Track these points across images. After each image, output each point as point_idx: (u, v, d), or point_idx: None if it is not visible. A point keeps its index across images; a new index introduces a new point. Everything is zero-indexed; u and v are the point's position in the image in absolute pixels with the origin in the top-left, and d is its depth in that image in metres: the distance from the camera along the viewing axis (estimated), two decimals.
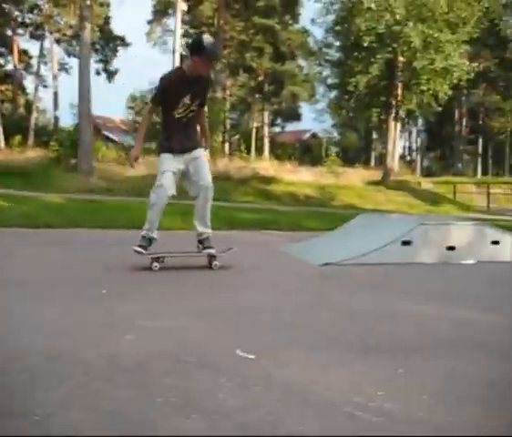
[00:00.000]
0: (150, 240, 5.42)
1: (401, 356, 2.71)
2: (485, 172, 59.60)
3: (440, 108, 23.56)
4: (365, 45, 22.30)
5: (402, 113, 24.59)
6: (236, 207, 15.24)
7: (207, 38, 5.35)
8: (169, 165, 5.39)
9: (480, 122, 61.47)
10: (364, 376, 2.39)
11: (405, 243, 6.28)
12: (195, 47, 5.32)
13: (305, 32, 39.01)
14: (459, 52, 22.65)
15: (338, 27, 25.60)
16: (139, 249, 5.28)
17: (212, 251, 5.53)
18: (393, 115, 24.73)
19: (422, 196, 25.75)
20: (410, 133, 64.50)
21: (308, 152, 51.21)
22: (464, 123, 57.77)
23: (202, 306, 3.78)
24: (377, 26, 21.93)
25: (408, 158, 63.83)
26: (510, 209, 25.05)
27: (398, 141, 46.60)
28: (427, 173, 57.98)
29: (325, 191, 24.03)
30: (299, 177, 26.90)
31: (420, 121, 68.52)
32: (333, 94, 28.00)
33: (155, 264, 5.29)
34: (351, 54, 24.50)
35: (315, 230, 9.83)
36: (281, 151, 41.16)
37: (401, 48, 22.97)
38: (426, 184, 32.57)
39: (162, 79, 5.41)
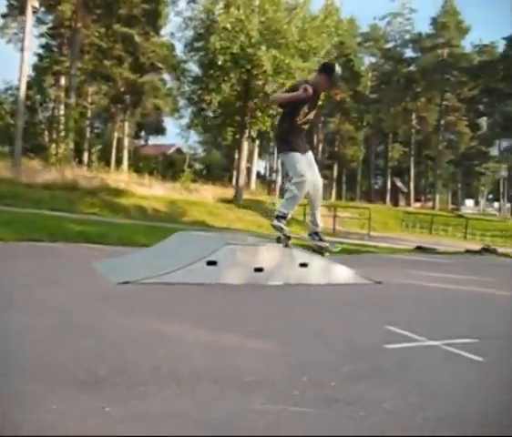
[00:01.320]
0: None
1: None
2: (339, 196, 62.68)
3: None
4: (220, 63, 22.42)
5: (253, 133, 24.97)
6: (71, 218, 14.40)
7: (338, 67, 6.41)
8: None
9: (336, 149, 64.69)
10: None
11: (211, 263, 6.10)
12: (327, 68, 6.41)
13: (169, 45, 38.66)
14: None
15: (196, 44, 25.56)
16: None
17: None
18: (246, 135, 25.07)
19: (271, 216, 26.28)
20: (271, 154, 66.25)
21: (171, 167, 50.82)
22: (320, 149, 60.44)
23: None
24: (232, 46, 22.13)
25: (271, 179, 65.41)
26: (354, 233, 26.36)
27: (256, 161, 47.71)
28: None
29: (176, 206, 23.74)
30: (153, 192, 26.40)
31: None
32: (191, 110, 27.82)
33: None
34: (207, 71, 24.55)
35: (144, 245, 9.43)
36: (144, 164, 40.33)
37: (254, 71, 23.37)
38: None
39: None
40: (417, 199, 65.09)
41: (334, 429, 2.25)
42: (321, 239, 6.88)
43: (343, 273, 6.84)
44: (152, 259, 6.93)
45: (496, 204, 75.85)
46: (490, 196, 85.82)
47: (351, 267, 7.31)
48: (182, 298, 5.15)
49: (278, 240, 6.76)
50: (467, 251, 16.37)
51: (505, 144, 63.92)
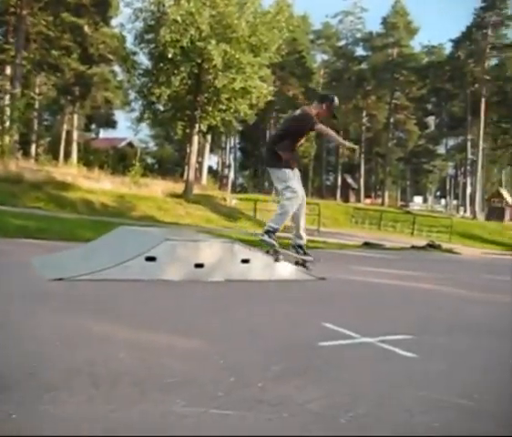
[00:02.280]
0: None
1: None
2: None
3: (240, 127, 24.15)
4: (170, 56, 22.09)
5: (203, 127, 24.73)
6: (12, 212, 13.92)
7: (337, 99, 7.14)
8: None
9: None
10: None
11: (150, 259, 5.95)
12: (328, 99, 7.12)
13: (119, 37, 37.87)
14: (259, 75, 23.42)
15: (147, 36, 25.11)
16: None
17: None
18: (196, 129, 24.82)
19: (221, 211, 26.19)
20: (223, 149, 66.09)
21: (123, 161, 50.07)
22: None
23: None
24: (182, 40, 21.84)
25: (223, 174, 65.17)
26: (306, 228, 26.43)
27: (208, 156, 47.46)
28: (241, 190, 59.88)
29: (124, 201, 23.32)
30: (102, 186, 25.86)
31: (237, 140, 70.83)
32: (141, 103, 27.29)
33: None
34: (157, 64, 24.16)
35: (88, 240, 9.15)
36: (94, 158, 39.48)
37: (205, 65, 23.15)
38: (232, 200, 33.31)
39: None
40: (367, 196, 66.03)
41: (253, 431, 2.16)
42: (305, 253, 7.16)
43: (285, 269, 6.79)
44: (90, 254, 6.72)
45: (443, 201, 77.83)
46: (438, 193, 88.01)
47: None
48: (117, 295, 4.99)
49: (267, 252, 6.83)
50: (413, 247, 16.67)
51: (451, 142, 65.67)
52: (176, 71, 22.92)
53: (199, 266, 6.23)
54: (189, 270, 6.17)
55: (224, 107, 23.47)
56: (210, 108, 24.20)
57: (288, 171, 6.84)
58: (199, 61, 23.05)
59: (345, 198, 55.02)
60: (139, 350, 3.18)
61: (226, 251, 6.48)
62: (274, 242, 6.77)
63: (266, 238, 6.78)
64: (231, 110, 23.63)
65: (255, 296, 5.54)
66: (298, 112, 7.26)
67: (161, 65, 23.61)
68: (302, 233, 7.23)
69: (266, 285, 6.19)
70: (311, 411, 2.40)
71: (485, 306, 6.10)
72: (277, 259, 6.68)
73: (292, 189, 6.76)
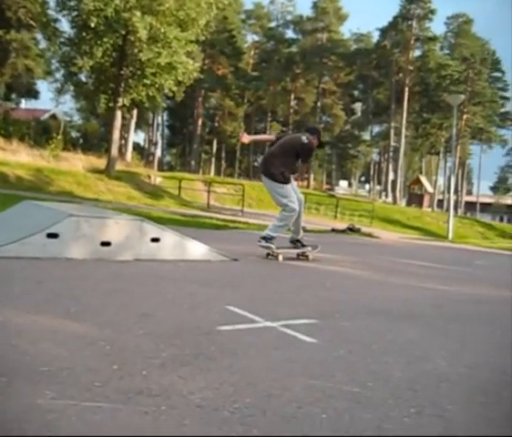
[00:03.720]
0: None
1: None
2: (218, 172, 62.74)
3: (166, 104, 23.59)
4: (92, 25, 21.21)
5: (126, 102, 23.99)
6: None
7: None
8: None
9: (216, 124, 64.55)
10: None
11: (52, 236, 5.60)
12: (316, 132, 8.25)
13: (41, 1, 36.05)
14: (186, 50, 22.93)
15: (69, 2, 24.01)
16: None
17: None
18: (119, 103, 24.04)
19: (144, 189, 25.64)
20: (151, 126, 64.75)
21: (46, 133, 48.16)
22: (200, 123, 59.98)
23: None
24: (106, 9, 21.01)
25: (149, 151, 63.91)
26: (229, 208, 26.36)
27: (133, 132, 46.33)
28: (168, 168, 58.96)
29: (42, 175, 22.35)
30: (19, 158, 24.71)
31: (165, 117, 69.58)
32: (62, 73, 26.14)
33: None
34: (80, 33, 23.16)
35: None
36: (14, 129, 37.57)
37: (130, 37, 22.42)
38: (157, 178, 32.70)
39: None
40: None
41: (122, 427, 1.97)
42: (303, 245, 7.98)
43: (197, 249, 6.61)
44: None
45: (367, 186, 79.89)
46: (362, 178, 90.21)
47: (213, 242, 7.15)
48: (11, 275, 4.63)
49: (267, 256, 7.59)
50: (333, 230, 16.86)
51: (376, 129, 67.28)
52: (99, 42, 22.05)
53: (105, 244, 5.94)
54: (94, 249, 5.87)
55: (149, 82, 22.83)
56: (134, 83, 23.50)
57: (288, 187, 7.70)
58: (124, 33, 22.28)
59: None
60: (16, 336, 2.90)
61: (134, 229, 6.21)
62: (272, 245, 7.57)
63: (263, 243, 7.58)
64: (156, 85, 23.02)
65: (161, 276, 5.32)
66: (305, 141, 7.80)
67: (84, 34, 22.64)
68: (300, 229, 7.97)
69: (175, 265, 5.97)
70: (192, 403, 2.22)
71: (396, 290, 6.15)
72: (277, 258, 7.52)
73: (292, 208, 7.60)
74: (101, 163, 28.80)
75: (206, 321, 3.62)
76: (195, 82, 47.08)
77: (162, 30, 21.46)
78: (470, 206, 71.74)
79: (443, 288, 6.69)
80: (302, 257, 7.88)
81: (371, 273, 7.42)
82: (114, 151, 25.56)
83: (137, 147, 64.34)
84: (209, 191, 27.70)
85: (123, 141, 48.50)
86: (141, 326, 3.36)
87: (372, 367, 2.98)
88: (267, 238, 7.56)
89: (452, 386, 2.83)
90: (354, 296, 5.39)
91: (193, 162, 58.97)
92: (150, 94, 23.29)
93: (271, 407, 2.28)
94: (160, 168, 51.30)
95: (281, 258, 7.53)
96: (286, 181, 7.65)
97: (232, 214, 22.16)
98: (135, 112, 39.15)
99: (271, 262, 7.32)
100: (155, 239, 6.28)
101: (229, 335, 3.35)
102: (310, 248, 7.99)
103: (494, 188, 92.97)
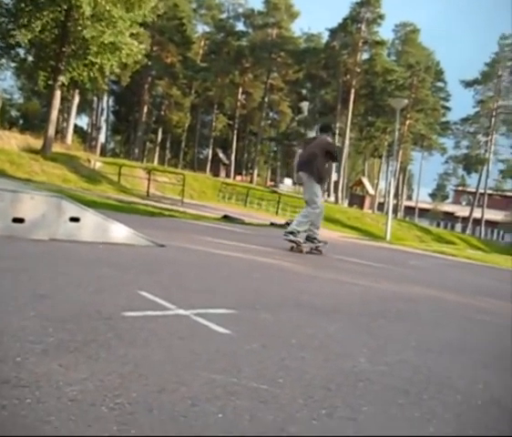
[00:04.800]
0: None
1: None
2: (162, 161, 61.83)
3: (106, 87, 22.84)
4: None
5: (65, 80, 23.05)
6: None
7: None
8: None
9: (162, 113, 63.54)
10: None
11: None
12: (330, 129, 9.64)
13: None
14: (131, 31, 22.25)
15: None
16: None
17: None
18: (59, 82, 23.09)
19: (82, 172, 24.80)
20: (94, 109, 63.03)
21: None
22: (145, 111, 58.88)
23: None
24: None
25: (92, 136, 62.25)
26: (169, 198, 25.83)
27: (74, 115, 44.95)
28: (112, 155, 57.53)
29: None
30: None
31: (110, 102, 67.90)
32: None
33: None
34: (18, 3, 22.09)
35: None
36: None
37: (73, 13, 21.56)
38: (97, 162, 31.75)
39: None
40: (239, 173, 66.42)
41: None
42: (319, 241, 8.97)
43: (121, 232, 6.22)
44: None
45: None
46: None
47: (144, 228, 6.80)
48: None
49: (292, 249, 8.59)
50: (272, 224, 16.69)
51: None
52: (38, 14, 21.09)
53: (18, 220, 5.49)
54: (5, 225, 5.41)
55: (91, 61, 22.00)
56: (76, 61, 22.63)
57: (319, 187, 8.80)
58: (66, 8, 21.39)
59: (215, 173, 54.94)
60: None
61: (52, 207, 5.77)
62: (300, 240, 8.59)
63: (291, 237, 8.57)
64: (97, 66, 22.21)
65: (73, 258, 4.92)
66: (330, 140, 9.17)
67: (23, 5, 21.61)
68: (317, 230, 8.90)
69: (93, 247, 5.57)
70: (66, 396, 1.89)
71: (326, 285, 5.96)
72: (301, 251, 8.56)
73: (318, 206, 8.77)
74: (39, 143, 27.70)
75: (110, 306, 3.28)
76: (142, 68, 46.33)
77: (107, 8, 20.72)
78: (409, 210, 73.39)
79: (373, 285, 6.55)
80: (316, 251, 8.85)
81: (302, 267, 7.22)
82: (51, 131, 24.59)
83: (80, 131, 62.59)
84: (149, 179, 27.05)
85: (65, 124, 47.04)
86: (34, 307, 2.98)
87: (286, 362, 2.71)
88: (294, 233, 8.53)
89: (370, 385, 2.60)
90: (281, 288, 5.14)
91: (137, 150, 57.82)
92: (92, 75, 22.46)
93: (160, 404, 1.97)
94: (103, 155, 50.04)
95: (304, 250, 8.59)
96: (319, 181, 8.71)
97: (172, 203, 21.67)
98: (76, 94, 37.89)
99: (199, 251, 7.00)
100: (74, 219, 5.86)
101: (132, 322, 3.02)
102: (322, 244, 9.04)
103: (432, 195, 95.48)
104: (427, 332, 4.17)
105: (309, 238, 8.83)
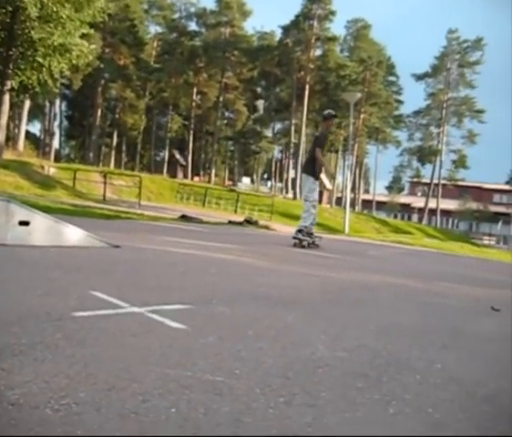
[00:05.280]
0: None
1: None
2: (119, 165, 61.03)
3: (57, 90, 22.31)
4: None
5: (15, 84, 22.44)
6: None
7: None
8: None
9: (117, 116, 62.73)
10: None
11: None
12: (327, 117, 10.30)
13: None
14: (81, 32, 21.80)
15: None
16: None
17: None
18: (7, 87, 22.45)
19: (35, 179, 24.20)
20: (47, 115, 61.67)
21: None
22: (99, 114, 57.99)
23: None
24: None
25: (45, 142, 60.87)
26: (127, 201, 25.45)
27: (25, 120, 43.84)
28: (66, 160, 56.38)
29: None
30: None
31: (63, 107, 66.61)
32: None
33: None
34: None
35: None
36: None
37: (20, 16, 20.99)
38: (51, 168, 31.05)
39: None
40: (196, 174, 66.11)
41: None
42: (315, 236, 9.90)
43: (74, 235, 6.04)
44: None
45: (269, 183, 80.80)
46: (265, 175, 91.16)
47: (99, 230, 6.64)
48: None
49: (302, 247, 9.41)
50: (230, 222, 16.62)
51: (278, 126, 68.08)
52: None
53: None
54: None
55: (40, 64, 21.43)
56: (24, 64, 22.04)
57: (316, 182, 9.73)
58: (12, 9, 20.81)
59: (173, 174, 54.53)
60: None
61: (0, 211, 5.56)
62: (308, 238, 9.48)
63: (300, 236, 9.49)
64: (46, 68, 21.66)
65: (22, 262, 4.74)
66: (317, 134, 10.32)
67: None
68: (312, 226, 9.76)
69: (45, 250, 5.40)
70: (6, 401, 1.78)
71: (284, 277, 5.91)
72: (307, 246, 9.42)
73: (316, 198, 9.85)
74: None
75: (60, 307, 3.14)
76: (94, 71, 45.62)
77: (55, 9, 20.23)
78: (367, 203, 74.44)
79: (332, 275, 6.55)
80: (313, 245, 9.68)
81: (261, 261, 7.17)
82: (1, 138, 23.94)
83: (32, 137, 61.20)
84: (105, 183, 26.60)
85: (16, 130, 45.86)
86: None
87: (242, 354, 2.65)
88: (302, 231, 9.46)
89: (329, 371, 2.56)
90: (238, 282, 5.08)
91: (92, 154, 56.88)
92: (42, 78, 21.91)
93: (109, 402, 1.88)
94: (58, 161, 49.00)
95: (305, 244, 9.46)
96: (315, 176, 9.57)
97: (129, 206, 21.35)
98: (27, 99, 36.98)
99: (156, 250, 6.88)
100: (24, 223, 5.66)
101: (83, 322, 2.90)
102: (318, 238, 10.10)
103: (389, 188, 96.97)
104: (386, 318, 4.18)
105: (307, 234, 9.58)
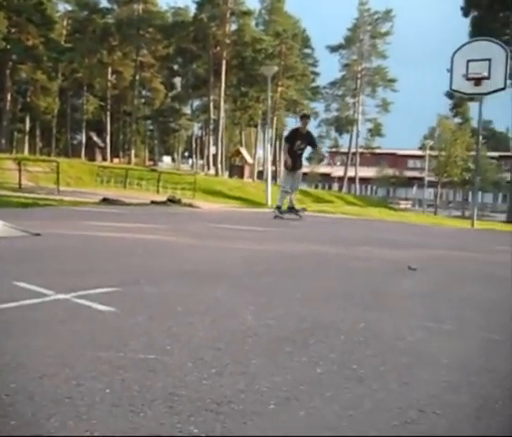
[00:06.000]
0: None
1: None
2: (34, 151, 58.73)
3: None
4: None
5: None
6: None
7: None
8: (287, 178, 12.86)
9: (28, 100, 60.16)
10: None
11: None
12: (308, 116, 14.59)
13: None
14: None
15: None
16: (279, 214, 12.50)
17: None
18: None
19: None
20: None
21: None
22: (9, 98, 55.41)
23: None
24: None
25: None
26: (45, 187, 24.61)
27: None
28: None
29: None
30: None
31: None
32: None
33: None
34: None
35: None
36: None
37: None
38: None
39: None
40: (116, 155, 64.67)
41: None
42: (297, 210, 12.75)
43: None
44: None
45: (190, 160, 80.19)
46: (186, 153, 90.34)
47: (18, 219, 6.44)
48: None
49: (275, 218, 12.30)
50: (152, 202, 16.46)
51: (196, 103, 67.53)
52: None
53: None
54: None
55: None
56: None
57: (286, 173, 12.80)
58: None
59: (91, 157, 53.09)
60: None
61: None
62: (279, 214, 12.44)
63: (277, 212, 12.52)
64: None
65: None
66: (286, 135, 13.47)
67: None
68: (294, 200, 12.85)
69: None
70: None
71: (210, 252, 5.96)
72: (281, 217, 12.33)
73: (283, 187, 12.71)
74: None
75: None
76: (1, 52, 43.36)
77: None
78: None
79: (256, 247, 6.67)
80: (296, 215, 12.55)
81: (185, 239, 7.19)
82: None
83: None
84: (20, 170, 25.55)
85: None
86: None
87: (173, 330, 2.69)
88: (280, 207, 12.56)
89: (258, 339, 2.64)
90: (165, 261, 5.09)
91: (4, 141, 54.36)
92: None
93: (41, 390, 1.87)
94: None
95: (285, 217, 12.28)
96: (286, 169, 12.70)
97: (47, 193, 20.67)
98: None
99: (79, 235, 6.75)
100: None
101: (8, 314, 2.84)
102: (300, 209, 12.99)
103: (309, 159, 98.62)
104: (311, 285, 4.32)
105: (290, 208, 12.61)
